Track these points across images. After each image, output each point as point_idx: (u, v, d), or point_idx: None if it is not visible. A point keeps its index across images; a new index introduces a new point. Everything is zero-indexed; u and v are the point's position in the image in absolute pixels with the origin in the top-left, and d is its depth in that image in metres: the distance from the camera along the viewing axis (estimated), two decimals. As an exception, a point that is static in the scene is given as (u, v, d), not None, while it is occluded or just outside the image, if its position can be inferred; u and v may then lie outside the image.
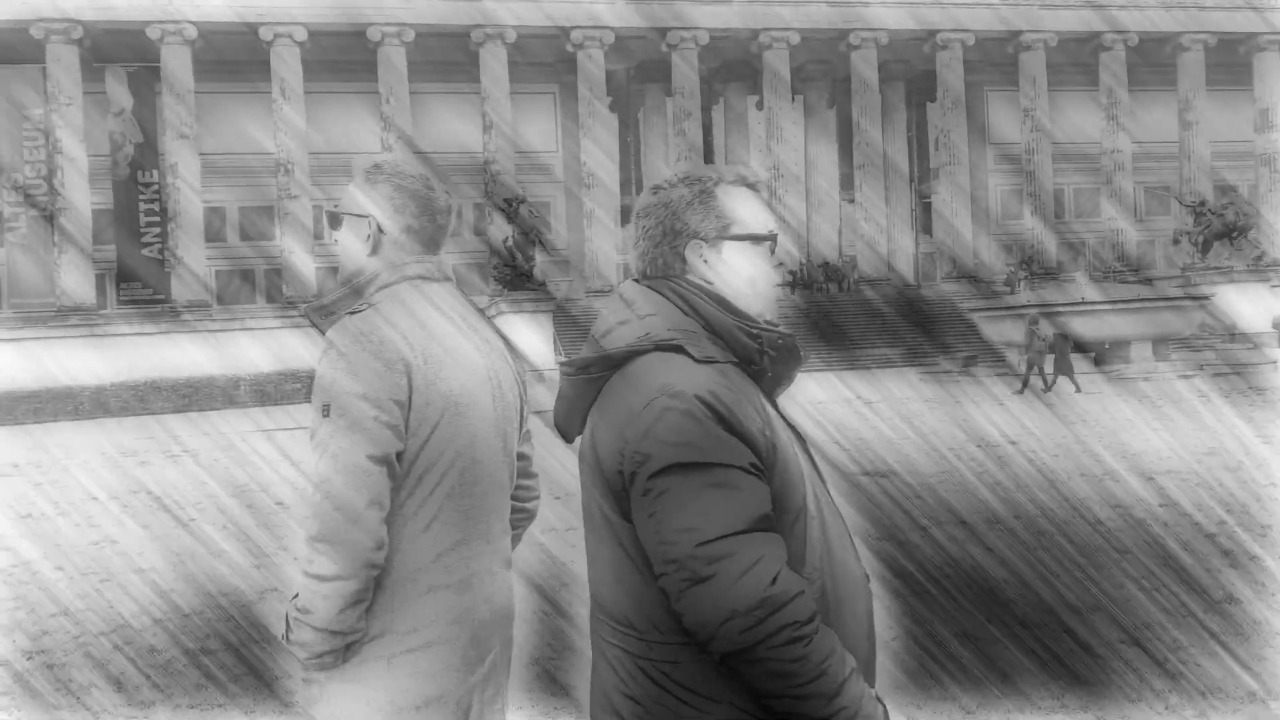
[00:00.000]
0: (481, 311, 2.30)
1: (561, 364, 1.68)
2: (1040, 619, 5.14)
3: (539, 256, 33.87)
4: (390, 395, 1.97)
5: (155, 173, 36.22)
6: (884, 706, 1.65)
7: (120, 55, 35.45)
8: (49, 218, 34.91)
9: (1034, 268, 37.94)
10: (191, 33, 35.01)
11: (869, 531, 7.45)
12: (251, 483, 12.44)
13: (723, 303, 1.67)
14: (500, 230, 33.84)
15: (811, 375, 25.33)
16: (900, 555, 6.73)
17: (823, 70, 42.39)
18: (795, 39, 38.96)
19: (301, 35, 35.60)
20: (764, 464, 1.54)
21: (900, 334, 35.17)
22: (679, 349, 1.58)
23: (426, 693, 2.00)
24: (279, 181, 36.06)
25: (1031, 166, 40.60)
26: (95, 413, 29.93)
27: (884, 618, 4.64)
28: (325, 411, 1.97)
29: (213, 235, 38.29)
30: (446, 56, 38.29)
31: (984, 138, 43.88)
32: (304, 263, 35.92)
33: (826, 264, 40.54)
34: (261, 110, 36.95)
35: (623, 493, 1.58)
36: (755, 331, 1.65)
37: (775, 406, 1.72)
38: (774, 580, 1.48)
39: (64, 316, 33.83)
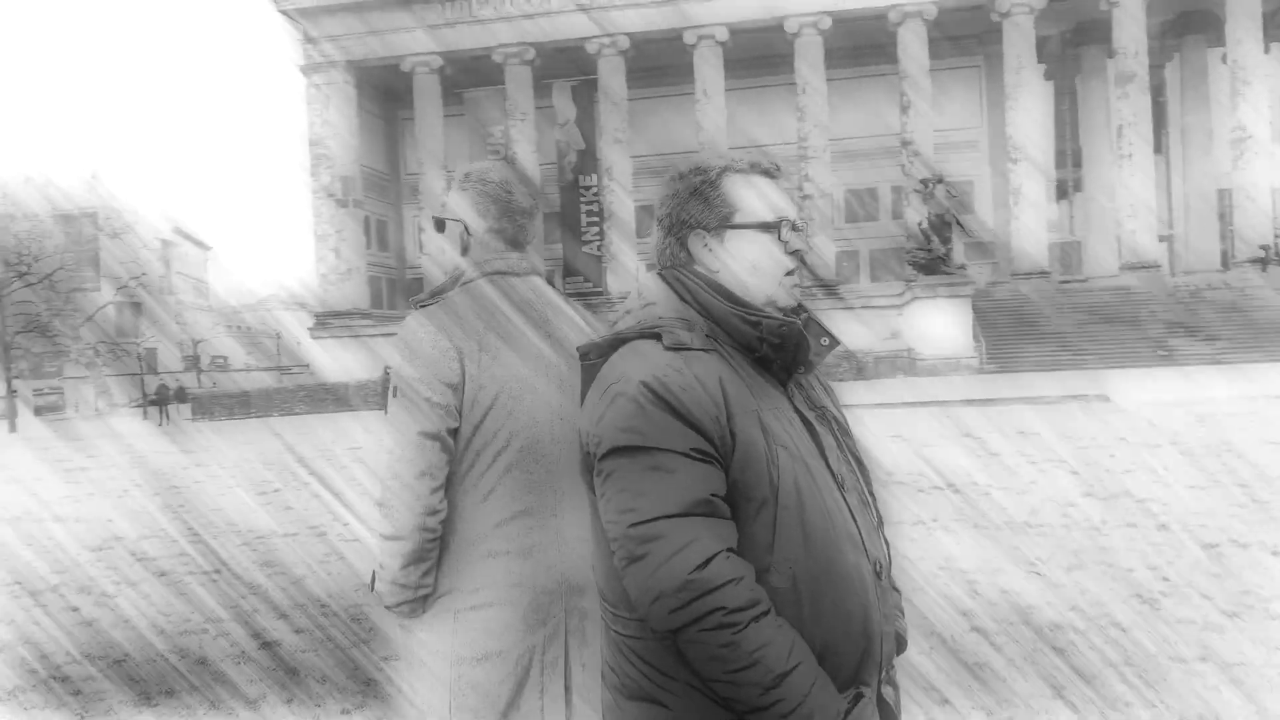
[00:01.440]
0: (576, 307, 2.56)
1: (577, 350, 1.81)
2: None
3: (956, 239, 34.08)
4: (441, 379, 2.27)
5: (594, 176, 41.45)
6: (882, 707, 1.74)
7: (564, 71, 41.11)
8: (507, 221, 41.31)
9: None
10: (624, 44, 39.67)
11: None
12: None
13: (722, 291, 1.75)
14: (917, 212, 34.51)
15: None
16: None
17: (1307, 9, 37.83)
18: (1268, -24, 35.27)
19: (723, 35, 38.86)
20: (719, 450, 1.61)
21: None
22: (657, 336, 1.68)
23: (487, 647, 2.27)
24: (701, 177, 39.60)
25: None
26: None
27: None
28: (393, 392, 2.31)
29: (644, 231, 42.95)
30: (863, 40, 39.62)
31: None
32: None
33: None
34: (686, 111, 40.79)
35: (589, 474, 1.72)
36: (755, 319, 1.72)
37: (793, 392, 1.79)
38: (703, 564, 1.54)
39: (518, 309, 39.92)
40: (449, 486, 2.31)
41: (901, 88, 38.06)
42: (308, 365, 42.82)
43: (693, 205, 1.79)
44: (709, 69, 39.24)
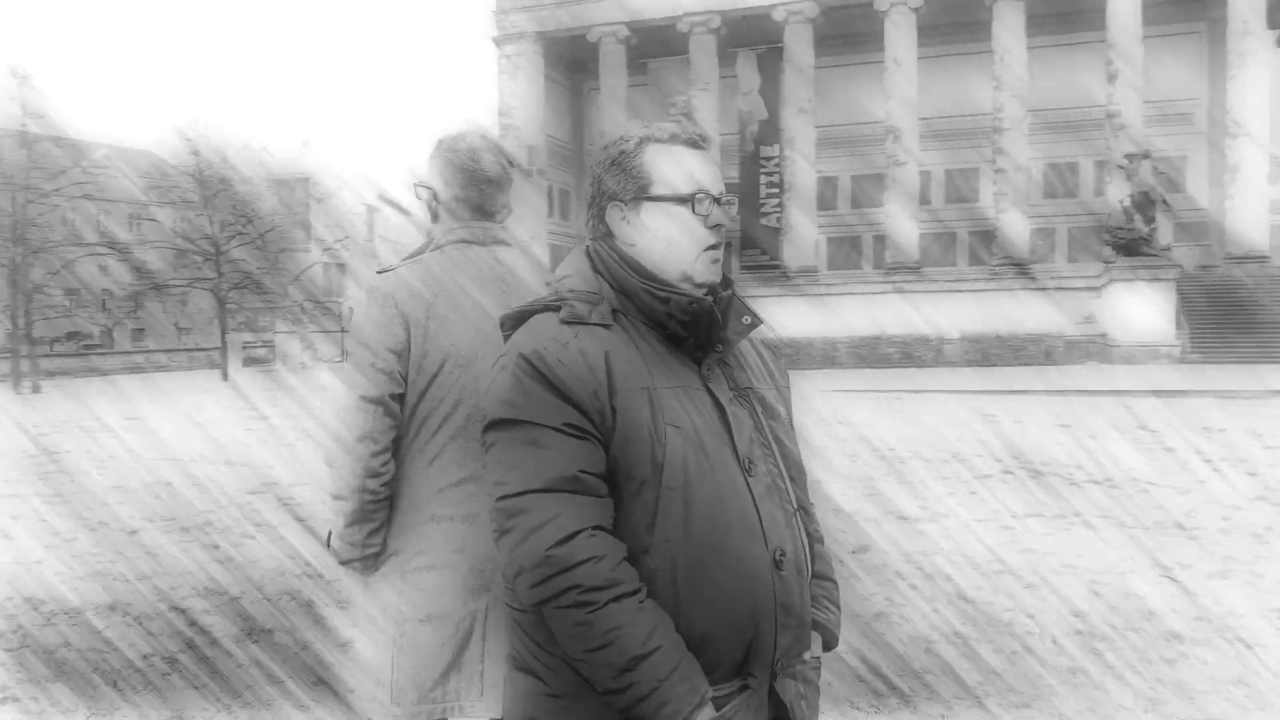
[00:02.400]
0: (546, 277, 2.51)
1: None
2: None
3: (1162, 219, 31.87)
4: (387, 345, 2.31)
5: (776, 147, 40.94)
6: (777, 700, 1.69)
7: (749, 39, 40.66)
8: (687, 192, 41.39)
9: None
10: (813, 11, 38.86)
11: None
12: (809, 437, 14.44)
13: (635, 265, 1.71)
14: (1119, 189, 32.45)
15: None
16: None
17: None
18: None
19: (916, 1, 37.41)
20: (596, 427, 1.58)
21: None
22: (559, 309, 1.68)
23: (430, 609, 2.31)
24: (888, 149, 38.48)
25: None
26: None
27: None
28: (344, 356, 3.02)
29: (825, 204, 42.21)
30: (1067, 6, 37.40)
31: None
32: (907, 229, 37.97)
33: None
34: (873, 80, 39.69)
35: None
36: (664, 295, 1.67)
37: (710, 371, 1.74)
38: (562, 541, 1.53)
39: (695, 280, 40.00)
40: (397, 450, 2.34)
41: (1109, 56, 35.72)
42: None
43: (610, 176, 1.75)
44: (900, 36, 37.94)
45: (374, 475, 2.30)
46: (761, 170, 41.58)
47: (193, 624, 5.47)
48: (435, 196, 2.50)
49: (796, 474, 1.83)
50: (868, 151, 41.50)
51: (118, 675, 4.69)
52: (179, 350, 59.04)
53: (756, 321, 1.80)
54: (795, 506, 1.78)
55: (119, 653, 5.01)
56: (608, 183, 1.75)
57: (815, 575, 1.87)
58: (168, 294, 49.86)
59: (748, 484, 1.67)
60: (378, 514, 2.34)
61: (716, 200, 1.74)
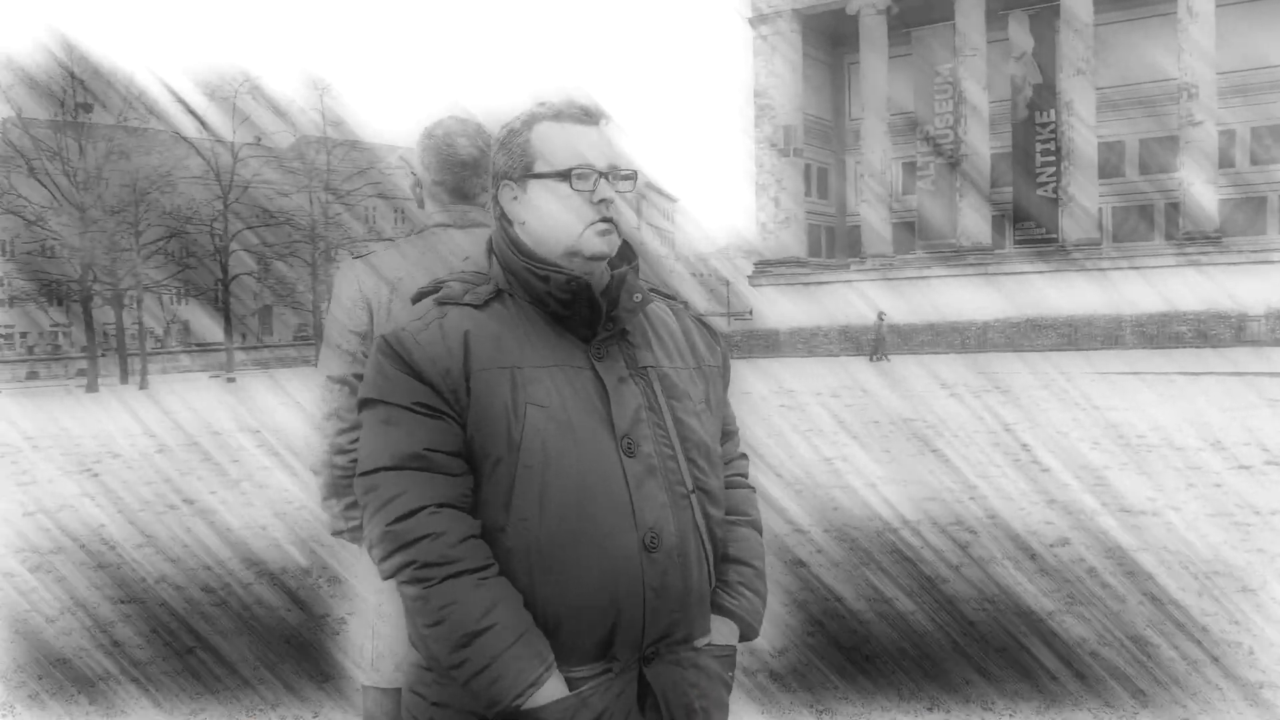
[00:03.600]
0: None
1: None
2: None
3: None
4: (351, 327, 2.37)
5: (1051, 112, 38.41)
6: (646, 685, 1.65)
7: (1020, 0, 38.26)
8: (953, 164, 39.72)
9: None
10: (1092, -38, 36.02)
11: None
12: (1051, 423, 13.55)
13: (518, 244, 1.72)
14: None
15: None
16: None
17: None
18: None
19: (1215, -60, 33.94)
20: (450, 405, 1.61)
21: None
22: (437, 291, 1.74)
23: None
24: (1180, 108, 35.17)
25: None
26: (979, 347, 33.54)
27: None
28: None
29: (1108, 171, 39.16)
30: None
31: None
32: (1204, 194, 34.57)
33: None
34: (1163, 34, 36.33)
35: None
36: (543, 274, 1.67)
37: (603, 350, 1.70)
38: (403, 517, 1.56)
39: (962, 256, 38.34)
40: None
41: None
42: (750, 312, 44.53)
43: (501, 156, 1.74)
44: (1195, -18, 34.50)
45: (341, 451, 2.36)
46: (1037, 138, 39.15)
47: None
48: (418, 183, 2.55)
49: (699, 455, 1.75)
50: (1158, 112, 38.11)
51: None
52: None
53: (648, 299, 1.75)
54: (690, 488, 1.72)
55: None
56: (499, 162, 1.74)
57: (732, 560, 1.82)
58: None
59: (622, 464, 1.64)
60: (351, 488, 2.37)
61: (604, 174, 1.69)
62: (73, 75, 39.02)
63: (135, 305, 41.89)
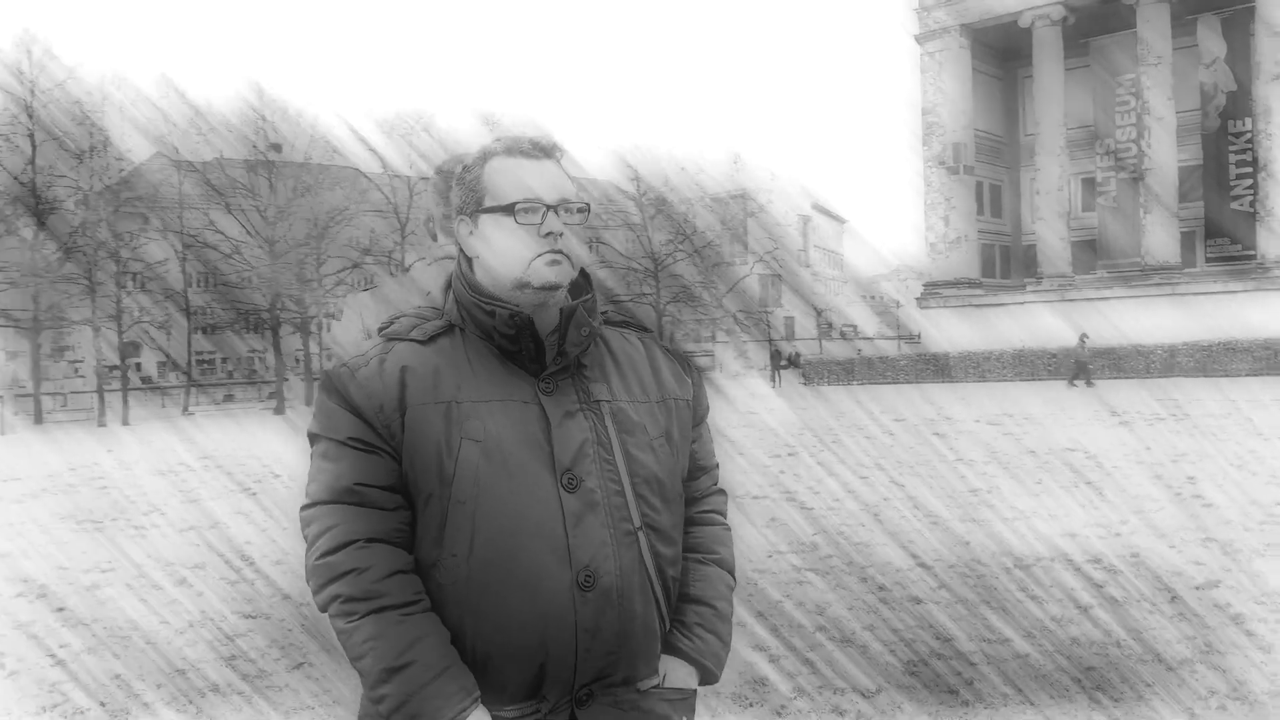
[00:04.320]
0: None
1: None
2: None
3: None
4: (352, 354, 2.42)
5: (1247, 121, 35.95)
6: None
7: (1209, 3, 36.02)
8: (1136, 179, 37.62)
9: None
10: (1292, -42, 33.60)
11: None
12: (1225, 455, 12.63)
13: (469, 280, 1.73)
14: None
15: None
16: None
17: None
18: None
19: None
20: (385, 441, 1.62)
21: None
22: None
23: None
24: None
25: None
26: (1166, 372, 31.53)
27: None
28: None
29: (1312, 182, 36.22)
30: None
31: None
32: None
33: None
34: (1375, 29, 33.46)
35: None
36: (489, 308, 1.68)
37: (554, 383, 1.70)
38: (331, 551, 1.58)
39: (1146, 275, 36.20)
40: None
41: None
42: (918, 335, 43.36)
43: (457, 191, 1.76)
44: None
45: None
46: (1230, 148, 36.68)
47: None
48: (430, 218, 2.59)
49: (649, 491, 1.71)
50: (1371, 116, 34.99)
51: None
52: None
53: (595, 332, 1.74)
54: (637, 525, 1.68)
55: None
56: (456, 198, 1.76)
57: (692, 600, 1.78)
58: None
59: (561, 500, 1.62)
60: None
61: (553, 208, 1.69)
62: (264, 118, 41.92)
63: (318, 332, 44.42)
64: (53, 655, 5.44)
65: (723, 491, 1.94)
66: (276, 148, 42.43)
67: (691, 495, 1.86)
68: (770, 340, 56.41)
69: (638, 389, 1.78)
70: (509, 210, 1.68)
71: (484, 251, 1.72)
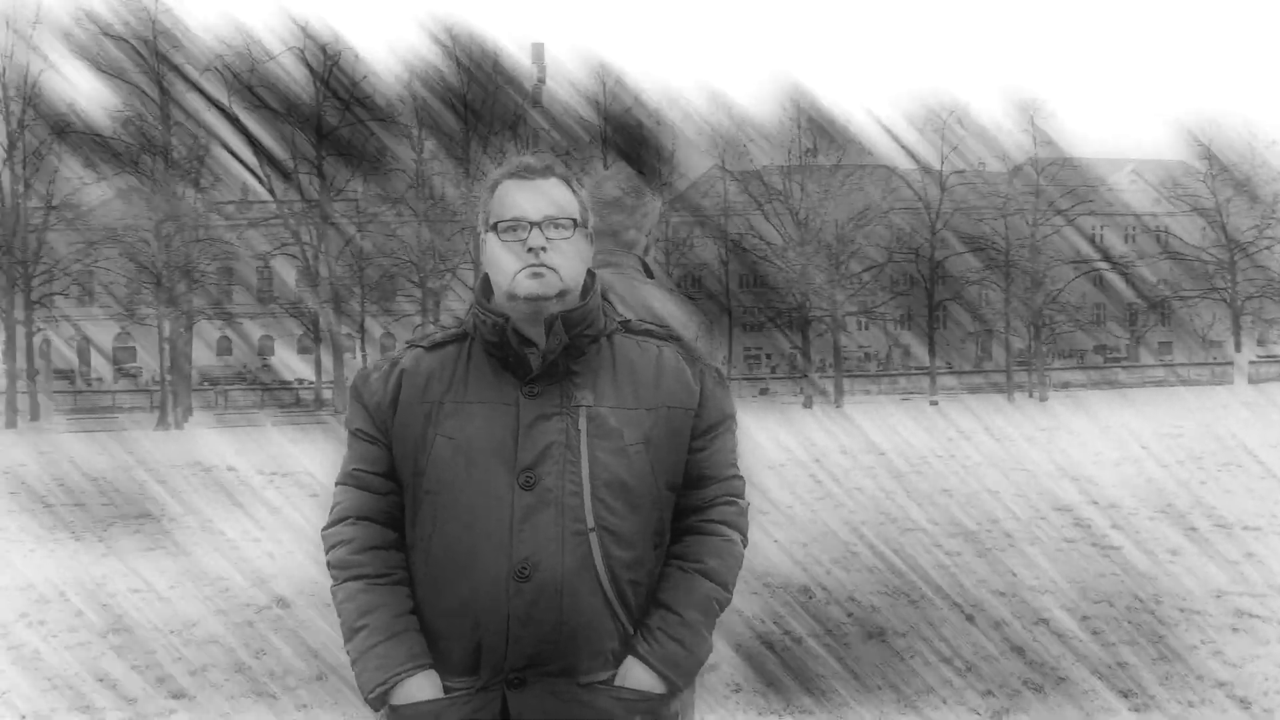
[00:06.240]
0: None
1: None
2: None
3: None
4: None
5: None
6: (510, 708, 1.77)
7: None
8: None
9: None
10: None
11: None
12: None
13: (479, 290, 1.97)
14: None
15: None
16: None
17: None
18: None
19: None
20: (383, 434, 1.90)
21: None
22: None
23: None
24: None
25: None
26: None
27: None
28: None
29: None
30: None
31: None
32: None
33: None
34: None
35: None
36: (483, 317, 1.88)
37: (540, 387, 1.84)
38: (331, 525, 1.91)
39: None
40: None
41: None
42: None
43: (477, 211, 2.00)
44: None
45: None
46: None
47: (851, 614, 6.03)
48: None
49: (610, 495, 1.81)
50: None
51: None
52: (1204, 365, 56.32)
53: (564, 340, 1.85)
54: (591, 526, 1.79)
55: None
56: (477, 217, 1.99)
57: (659, 605, 1.86)
58: (1169, 306, 48.92)
59: (514, 497, 1.78)
60: None
61: (538, 224, 1.85)
62: (799, 125, 43.95)
63: (843, 330, 45.56)
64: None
65: (734, 502, 1.96)
66: (811, 152, 44.37)
67: (694, 504, 1.92)
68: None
69: (629, 395, 1.88)
70: (497, 227, 1.88)
71: (487, 266, 1.92)
